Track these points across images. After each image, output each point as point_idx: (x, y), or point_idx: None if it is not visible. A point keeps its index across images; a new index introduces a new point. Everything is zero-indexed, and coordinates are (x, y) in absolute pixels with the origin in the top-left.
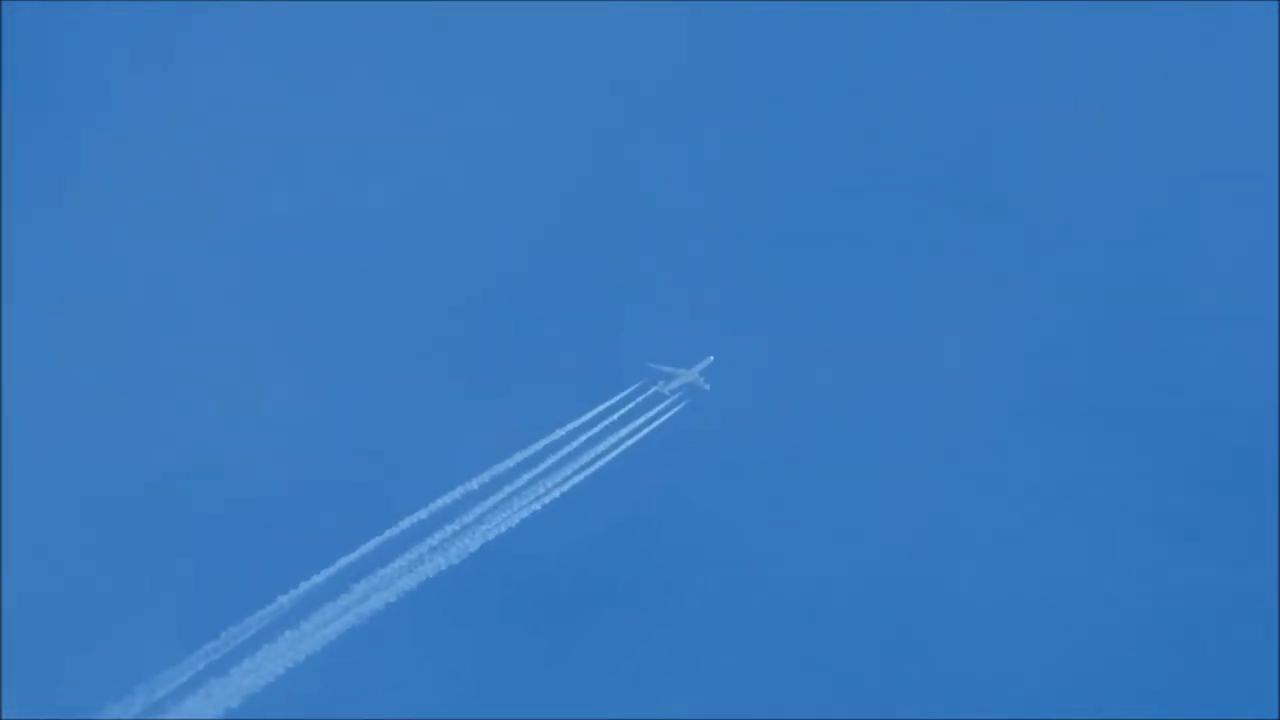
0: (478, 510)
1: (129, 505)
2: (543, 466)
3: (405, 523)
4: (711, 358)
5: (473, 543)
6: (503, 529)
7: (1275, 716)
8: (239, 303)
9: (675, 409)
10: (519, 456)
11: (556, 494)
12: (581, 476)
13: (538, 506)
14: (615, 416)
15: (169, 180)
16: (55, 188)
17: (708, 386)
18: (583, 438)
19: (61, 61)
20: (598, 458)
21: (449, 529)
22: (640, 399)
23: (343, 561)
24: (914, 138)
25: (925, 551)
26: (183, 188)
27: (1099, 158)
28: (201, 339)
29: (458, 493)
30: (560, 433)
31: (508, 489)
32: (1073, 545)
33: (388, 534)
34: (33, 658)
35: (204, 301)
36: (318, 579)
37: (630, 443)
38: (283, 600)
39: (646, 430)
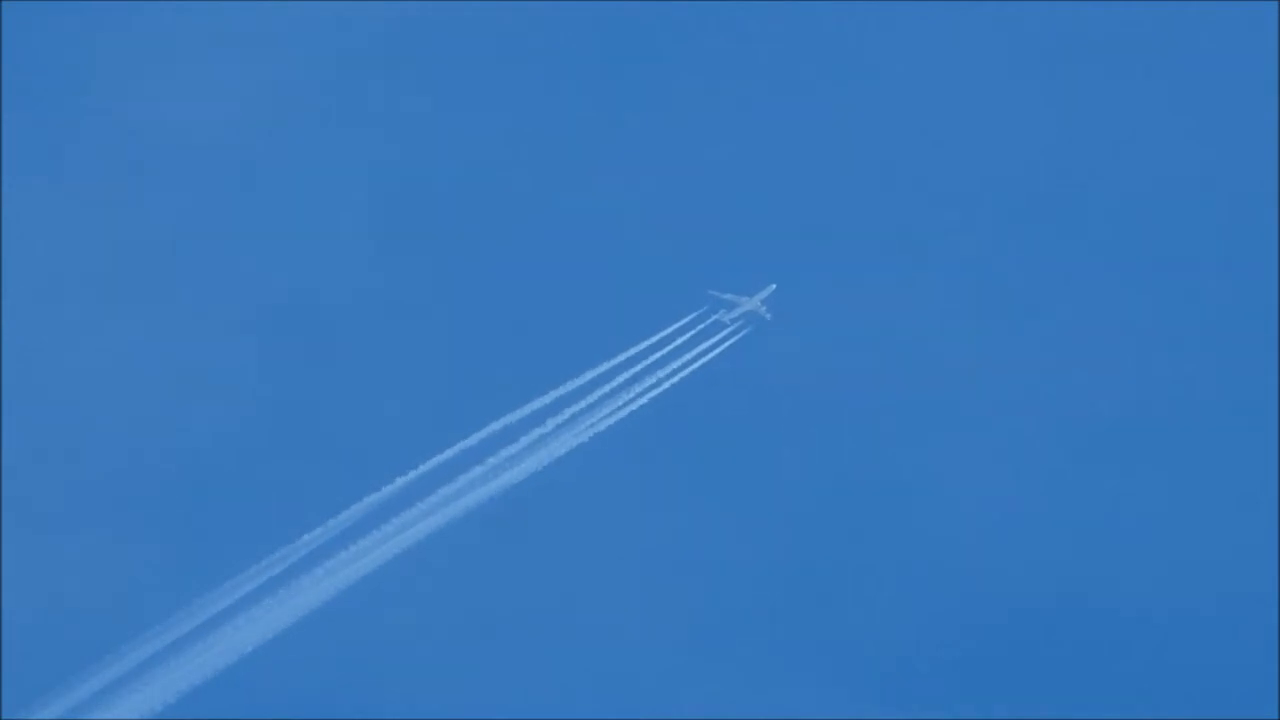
0: (528, 439)
1: (128, 501)
2: (595, 396)
3: (460, 445)
4: (774, 285)
5: (519, 473)
6: (551, 458)
7: (1275, 717)
8: None
9: (735, 338)
10: (570, 386)
11: (611, 422)
12: (635, 405)
13: (587, 436)
14: (673, 345)
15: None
16: None
17: (769, 315)
18: (638, 366)
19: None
20: (652, 386)
21: (502, 454)
22: (701, 326)
23: (400, 481)
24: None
25: (987, 476)
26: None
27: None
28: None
29: (507, 419)
30: (618, 359)
31: (554, 420)
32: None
33: (445, 455)
34: (33, 658)
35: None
36: (373, 499)
37: (686, 372)
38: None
39: (704, 359)
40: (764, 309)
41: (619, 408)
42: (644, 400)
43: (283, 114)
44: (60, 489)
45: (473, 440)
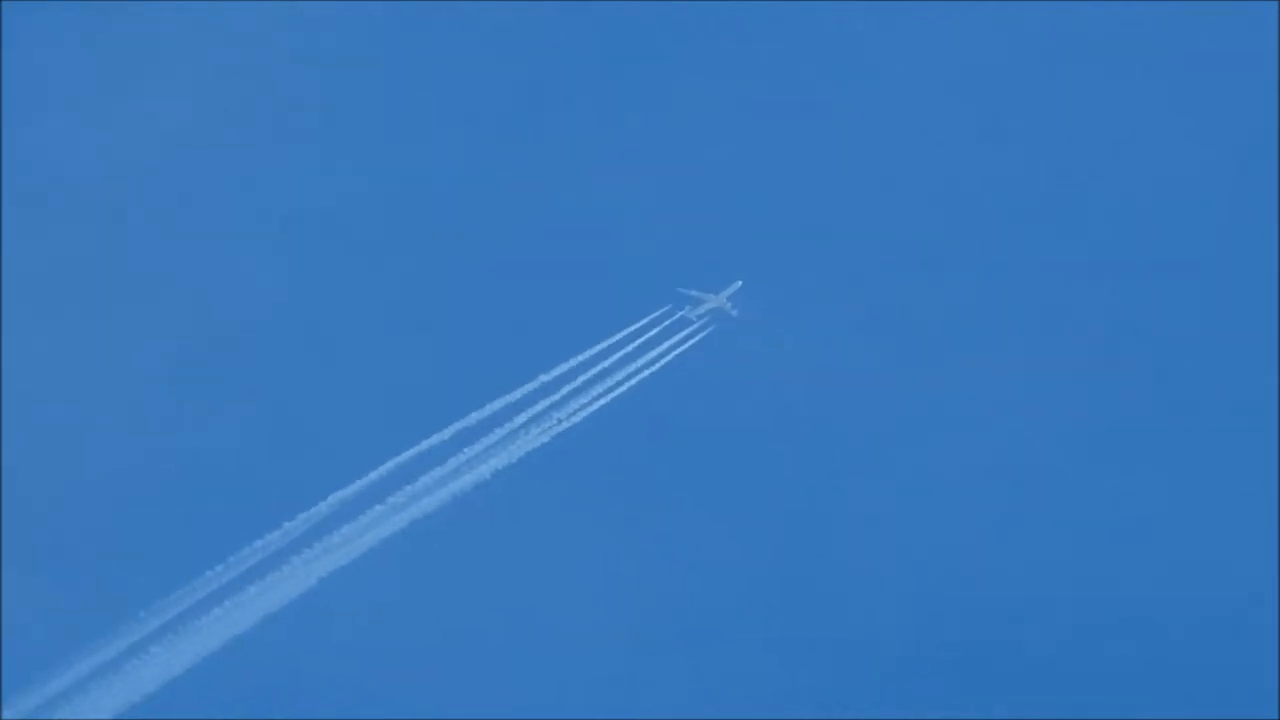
0: (490, 439)
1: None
2: (560, 393)
3: (420, 447)
4: (740, 282)
5: (485, 471)
6: (514, 457)
7: (1275, 717)
8: None
9: (700, 335)
10: (534, 383)
11: (576, 419)
12: (600, 403)
13: (551, 435)
14: (638, 342)
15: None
16: None
17: (735, 312)
18: (604, 363)
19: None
20: (617, 384)
21: (462, 456)
22: (666, 323)
23: (358, 484)
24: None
25: (962, 491)
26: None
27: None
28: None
29: (470, 420)
30: (582, 357)
31: (523, 415)
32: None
33: (409, 453)
34: (33, 658)
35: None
36: (337, 497)
37: (652, 369)
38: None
39: (670, 356)
40: (730, 306)
41: (584, 405)
42: (609, 398)
43: (263, 113)
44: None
45: (436, 439)
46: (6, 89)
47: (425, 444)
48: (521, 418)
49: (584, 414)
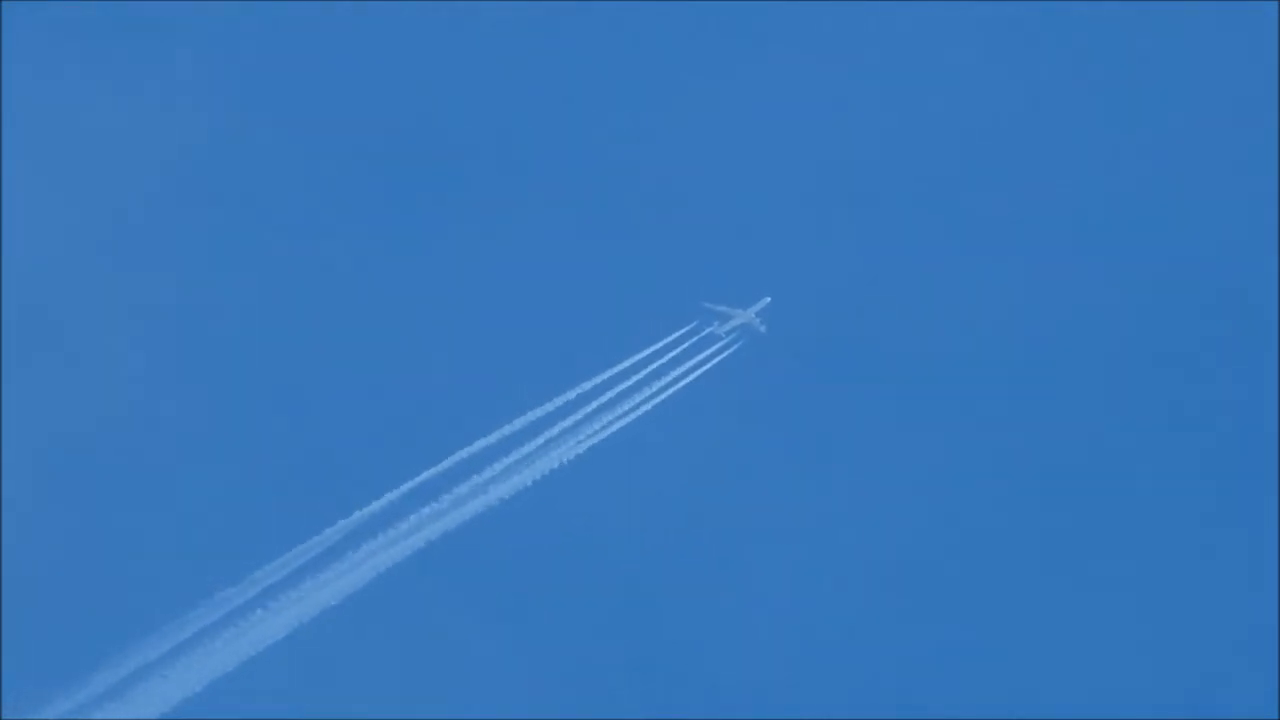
0: (515, 456)
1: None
2: (584, 411)
3: (445, 464)
4: (769, 298)
5: (507, 489)
6: (539, 475)
7: (1276, 717)
8: None
9: (728, 351)
10: (561, 400)
11: (600, 438)
12: (626, 420)
13: (578, 452)
14: (666, 358)
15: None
16: None
17: (764, 328)
18: (631, 380)
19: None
20: (645, 400)
21: (487, 473)
22: (694, 339)
23: (387, 498)
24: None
25: (996, 508)
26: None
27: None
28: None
29: (495, 437)
30: (608, 374)
31: (546, 434)
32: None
33: (425, 475)
34: (33, 658)
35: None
36: (361, 515)
37: (680, 385)
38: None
39: (697, 373)
40: (759, 322)
41: (611, 422)
42: (636, 415)
43: (261, 116)
44: (59, 488)
45: (465, 453)
46: (7, 88)
47: (450, 460)
48: (545, 435)
49: (609, 432)
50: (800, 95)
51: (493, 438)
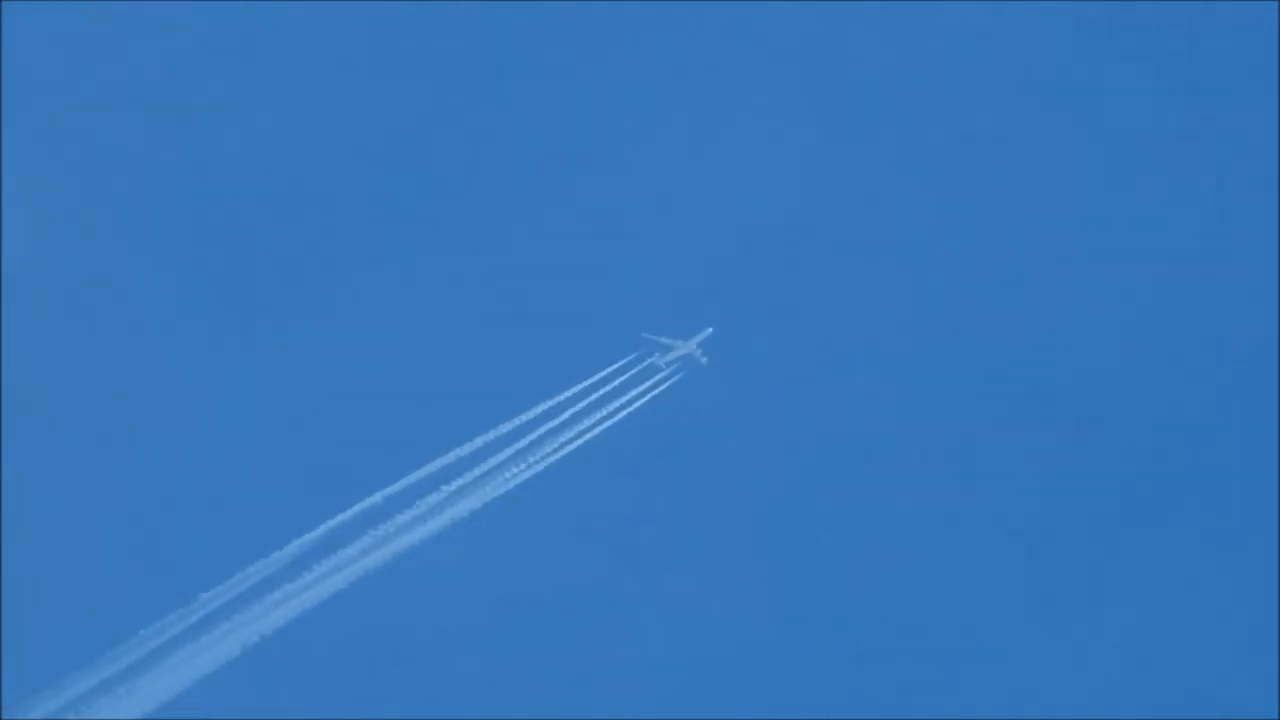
0: (452, 485)
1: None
2: (524, 442)
3: (371, 499)
4: (710, 329)
5: (453, 515)
6: (478, 505)
7: (1276, 717)
8: None
9: (668, 383)
10: (495, 432)
11: (538, 469)
12: (563, 453)
13: (514, 484)
14: (604, 390)
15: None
16: None
17: (705, 360)
18: (568, 412)
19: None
20: (582, 433)
21: (420, 506)
22: (633, 371)
23: (296, 544)
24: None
25: (936, 551)
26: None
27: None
28: None
29: (432, 466)
30: (546, 405)
31: (483, 466)
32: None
33: (367, 502)
34: (33, 658)
35: None
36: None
37: (618, 418)
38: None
39: (635, 405)
40: (700, 353)
41: (547, 454)
42: (572, 447)
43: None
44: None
45: (393, 488)
46: (7, 88)
47: (381, 494)
48: (479, 469)
49: (545, 463)
50: (751, 120)
51: (424, 470)
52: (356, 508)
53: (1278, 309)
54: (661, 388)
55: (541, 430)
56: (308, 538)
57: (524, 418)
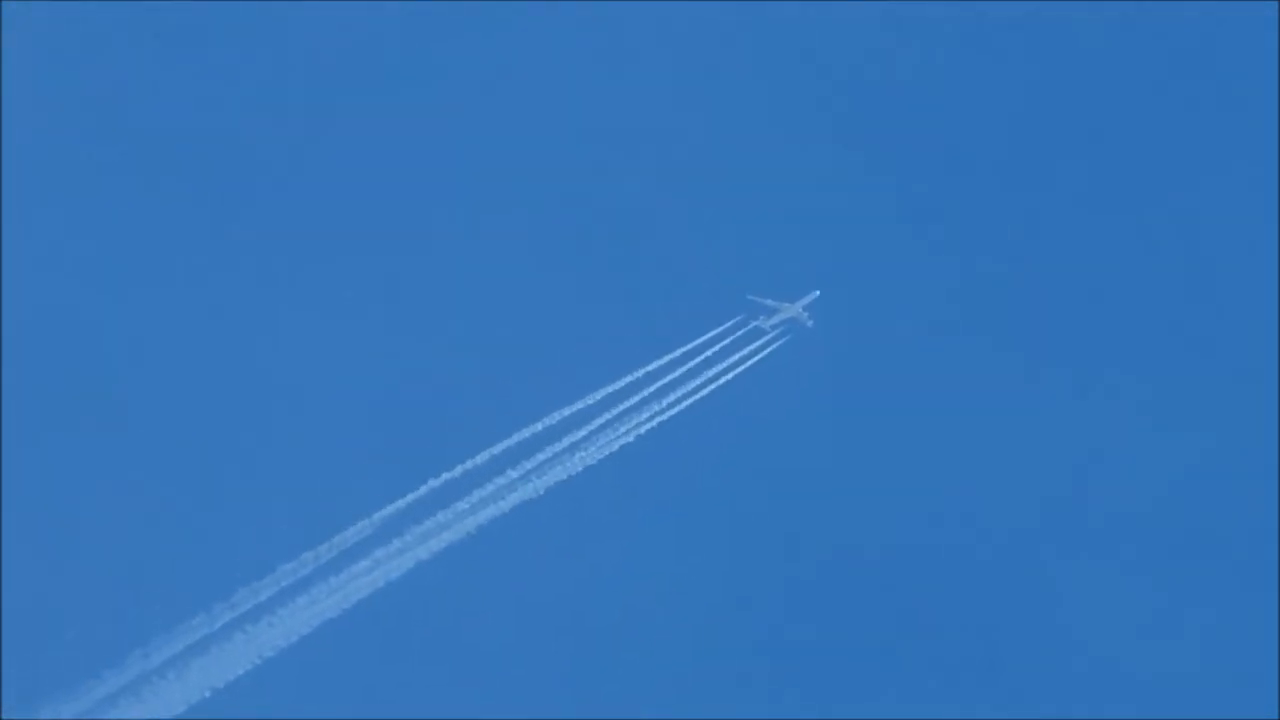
0: (553, 449)
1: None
2: (627, 404)
3: (480, 457)
4: (817, 292)
5: (549, 481)
6: (578, 469)
7: (1276, 717)
8: None
9: (773, 346)
10: (601, 393)
11: (640, 432)
12: (667, 415)
13: (619, 445)
14: (710, 352)
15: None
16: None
17: (811, 323)
18: (673, 374)
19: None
20: (687, 395)
21: (522, 468)
22: (739, 333)
23: (411, 496)
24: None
25: (996, 507)
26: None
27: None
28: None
29: (534, 429)
30: (650, 367)
31: (586, 427)
32: None
33: (460, 469)
34: (33, 658)
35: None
36: (390, 509)
37: (722, 381)
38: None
39: (740, 369)
40: (806, 315)
41: (652, 416)
42: (678, 409)
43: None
44: (60, 484)
45: (501, 447)
46: (7, 88)
47: (489, 452)
48: (585, 430)
49: (648, 427)
50: (853, 86)
51: (527, 431)
52: (459, 469)
53: (1278, 309)
54: (765, 351)
55: (640, 395)
56: (407, 500)
57: (624, 381)
